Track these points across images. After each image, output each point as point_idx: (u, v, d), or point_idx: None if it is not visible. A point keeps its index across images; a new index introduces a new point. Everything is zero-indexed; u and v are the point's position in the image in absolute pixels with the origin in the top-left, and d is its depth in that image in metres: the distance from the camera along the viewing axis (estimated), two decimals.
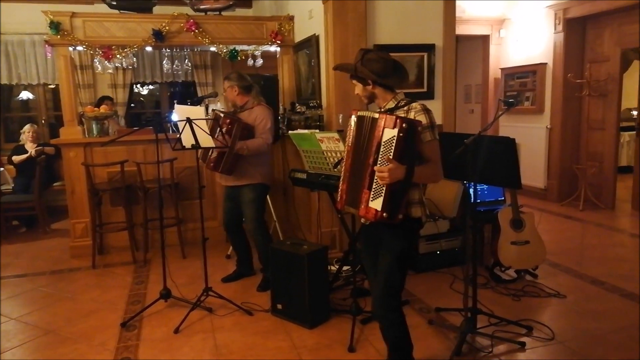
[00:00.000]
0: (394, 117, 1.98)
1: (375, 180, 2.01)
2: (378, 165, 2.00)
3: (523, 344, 2.77)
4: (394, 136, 1.96)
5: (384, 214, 2.00)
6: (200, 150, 3.58)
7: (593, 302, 3.35)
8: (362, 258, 2.52)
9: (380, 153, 2.01)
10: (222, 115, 3.43)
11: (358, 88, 2.26)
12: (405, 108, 2.16)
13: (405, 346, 2.31)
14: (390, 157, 1.96)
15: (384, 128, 2.00)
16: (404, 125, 1.94)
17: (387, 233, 2.18)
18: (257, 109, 3.56)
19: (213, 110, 3.72)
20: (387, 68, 2.17)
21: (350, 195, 2.20)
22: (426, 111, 2.12)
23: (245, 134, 3.45)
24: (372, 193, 2.04)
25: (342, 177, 2.25)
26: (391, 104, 2.19)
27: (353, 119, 2.19)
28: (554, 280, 3.70)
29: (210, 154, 3.48)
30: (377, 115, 2.05)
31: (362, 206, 2.08)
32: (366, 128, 2.11)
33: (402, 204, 2.05)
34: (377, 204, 2.02)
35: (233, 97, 3.63)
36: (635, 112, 6.63)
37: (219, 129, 3.37)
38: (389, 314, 2.24)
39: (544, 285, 3.60)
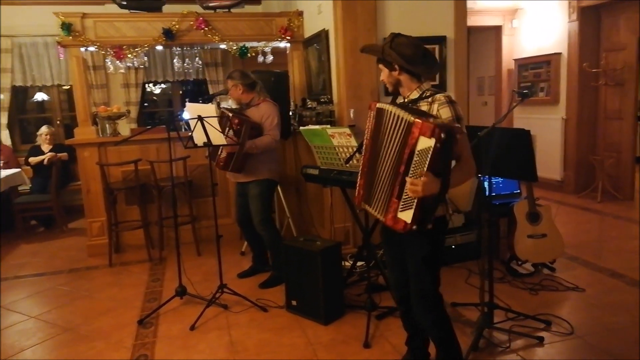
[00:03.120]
0: (432, 124, 1.78)
1: (405, 191, 1.88)
2: (410, 177, 1.85)
3: (541, 339, 2.73)
4: (430, 147, 1.78)
5: (414, 227, 1.88)
6: (209, 149, 3.59)
7: (612, 295, 3.29)
8: (384, 252, 2.43)
9: (413, 163, 1.85)
10: (230, 114, 3.42)
11: (384, 74, 2.15)
12: (430, 99, 2.04)
13: (452, 345, 2.21)
14: (425, 169, 1.80)
15: (419, 135, 1.82)
16: (442, 135, 1.75)
17: (411, 235, 2.04)
18: (264, 106, 3.55)
19: (220, 108, 3.71)
20: (416, 54, 2.04)
21: (367, 191, 2.10)
22: (451, 103, 2.00)
23: (254, 133, 3.44)
24: (401, 203, 1.90)
25: (360, 172, 2.15)
26: (415, 94, 2.09)
27: (372, 112, 2.07)
28: (572, 274, 3.64)
29: (219, 153, 3.49)
30: (412, 119, 1.86)
31: (390, 216, 1.95)
32: (390, 125, 1.96)
33: (432, 215, 1.93)
34: (406, 216, 1.89)
35: (238, 96, 3.62)
36: None
37: (227, 128, 3.37)
38: (427, 315, 2.15)
39: (562, 278, 3.55)
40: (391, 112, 1.97)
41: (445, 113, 1.98)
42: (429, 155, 1.79)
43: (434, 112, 1.99)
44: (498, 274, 3.60)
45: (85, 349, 2.91)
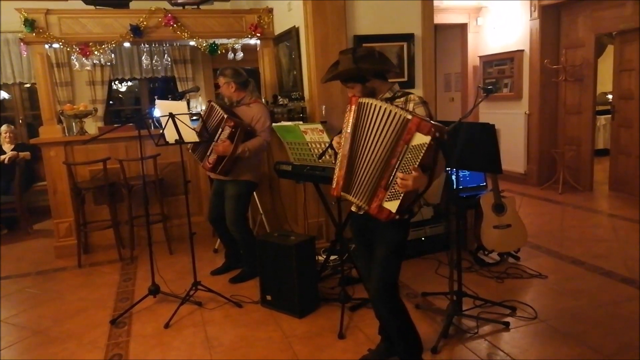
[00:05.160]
0: (429, 123, 1.89)
1: (394, 183, 1.98)
2: (400, 171, 1.95)
3: (507, 324, 2.85)
4: (425, 143, 1.89)
5: (397, 216, 2.00)
6: (193, 148, 3.58)
7: (573, 281, 3.46)
8: (355, 243, 2.49)
9: (406, 157, 1.95)
10: (225, 115, 3.36)
11: (356, 90, 2.20)
12: (403, 99, 2.15)
13: (411, 334, 2.32)
14: (416, 164, 1.91)
15: (415, 132, 1.91)
16: (437, 134, 1.88)
17: (381, 225, 2.15)
18: (255, 106, 3.55)
19: (209, 101, 3.68)
20: (376, 59, 2.18)
21: (346, 181, 2.14)
22: (424, 103, 2.13)
23: (247, 137, 3.45)
24: (388, 193, 2.00)
25: (338, 163, 2.18)
26: (388, 95, 2.19)
27: (353, 106, 2.11)
28: (536, 262, 3.80)
29: (208, 154, 3.46)
30: (409, 116, 1.94)
31: (375, 205, 2.03)
32: (378, 118, 2.01)
33: (413, 206, 2.07)
34: (391, 206, 1.99)
35: (229, 94, 3.60)
36: (610, 96, 6.79)
37: (220, 129, 3.36)
38: (387, 304, 2.25)
39: (526, 266, 3.70)
40: (379, 106, 2.02)
41: (420, 112, 2.07)
42: (423, 152, 1.90)
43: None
44: (466, 263, 3.72)
45: (58, 351, 2.87)
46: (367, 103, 2.06)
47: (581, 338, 2.69)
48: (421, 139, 1.90)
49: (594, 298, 3.17)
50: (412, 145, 1.93)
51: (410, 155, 1.94)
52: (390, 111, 1.99)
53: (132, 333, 3.02)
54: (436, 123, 1.93)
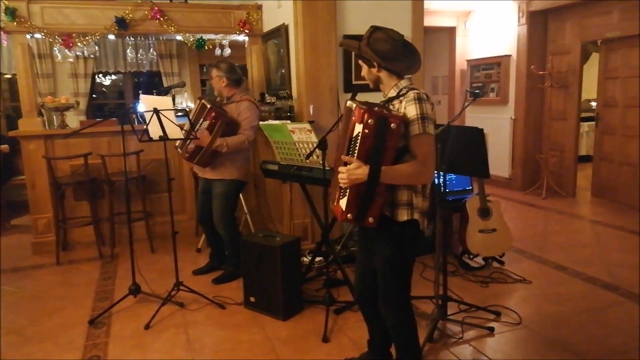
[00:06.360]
0: (363, 110, 1.77)
1: None
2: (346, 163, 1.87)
3: (492, 329, 2.85)
4: (359, 132, 1.78)
5: (348, 215, 1.86)
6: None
7: (556, 286, 3.47)
8: (357, 247, 2.40)
9: (351, 149, 1.86)
10: (208, 106, 3.33)
11: (364, 70, 2.05)
12: (401, 98, 1.93)
13: (412, 349, 2.20)
14: (354, 156, 1.82)
15: (354, 122, 1.83)
16: (369, 121, 1.74)
17: (375, 235, 2.04)
18: (244, 104, 3.49)
19: (199, 98, 3.62)
20: (395, 50, 1.94)
21: (333, 191, 2.07)
22: (418, 100, 1.86)
23: (228, 130, 3.39)
24: (342, 191, 1.91)
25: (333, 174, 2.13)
26: (393, 92, 1.98)
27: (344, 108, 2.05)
28: (520, 267, 3.82)
29: (187, 143, 3.41)
30: (353, 107, 1.87)
31: (335, 204, 1.97)
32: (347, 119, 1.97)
33: (371, 207, 1.86)
34: (342, 204, 1.89)
35: (220, 88, 3.56)
36: (594, 103, 6.88)
37: (202, 119, 3.30)
38: (388, 315, 2.13)
39: (510, 271, 3.71)
40: (349, 106, 1.98)
41: (410, 111, 1.86)
42: (358, 141, 1.81)
43: (402, 111, 1.90)
44: (451, 267, 3.71)
45: (33, 351, 2.78)
46: (348, 107, 2.00)
47: (565, 344, 2.70)
48: (357, 129, 1.81)
49: (577, 303, 3.18)
50: (353, 137, 1.85)
51: (353, 148, 1.85)
52: (350, 109, 1.95)
53: (111, 334, 2.94)
54: (376, 110, 1.80)
